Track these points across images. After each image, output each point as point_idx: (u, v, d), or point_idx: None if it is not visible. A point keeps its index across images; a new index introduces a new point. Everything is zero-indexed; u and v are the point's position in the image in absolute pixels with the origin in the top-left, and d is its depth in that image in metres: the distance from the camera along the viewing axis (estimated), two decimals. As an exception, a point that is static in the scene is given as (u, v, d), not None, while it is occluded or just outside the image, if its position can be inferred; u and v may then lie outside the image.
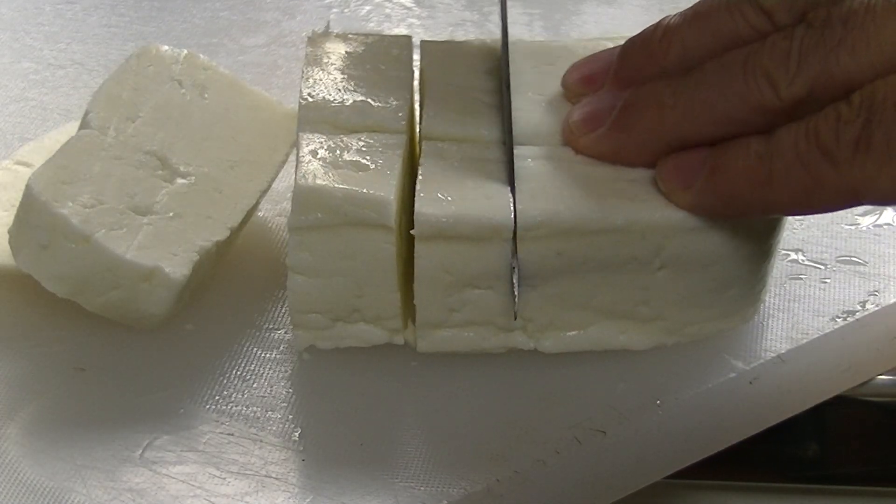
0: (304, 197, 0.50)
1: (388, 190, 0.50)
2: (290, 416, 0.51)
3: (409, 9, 0.79)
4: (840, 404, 0.57)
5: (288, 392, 0.52)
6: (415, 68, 0.58)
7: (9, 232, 0.52)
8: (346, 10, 0.80)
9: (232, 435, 0.50)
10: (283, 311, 0.56)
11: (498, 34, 0.58)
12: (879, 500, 0.61)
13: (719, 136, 0.48)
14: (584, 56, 0.55)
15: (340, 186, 0.50)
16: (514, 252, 0.49)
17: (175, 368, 0.53)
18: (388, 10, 0.79)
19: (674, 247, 0.50)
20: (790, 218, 0.57)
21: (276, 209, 0.61)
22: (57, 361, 0.53)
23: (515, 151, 0.52)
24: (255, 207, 0.57)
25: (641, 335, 0.52)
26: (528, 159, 0.52)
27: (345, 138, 0.53)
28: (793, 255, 0.58)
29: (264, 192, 0.58)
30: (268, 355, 0.54)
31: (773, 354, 0.53)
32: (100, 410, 0.51)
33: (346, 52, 0.57)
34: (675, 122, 0.49)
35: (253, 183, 0.57)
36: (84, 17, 0.79)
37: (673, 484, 0.56)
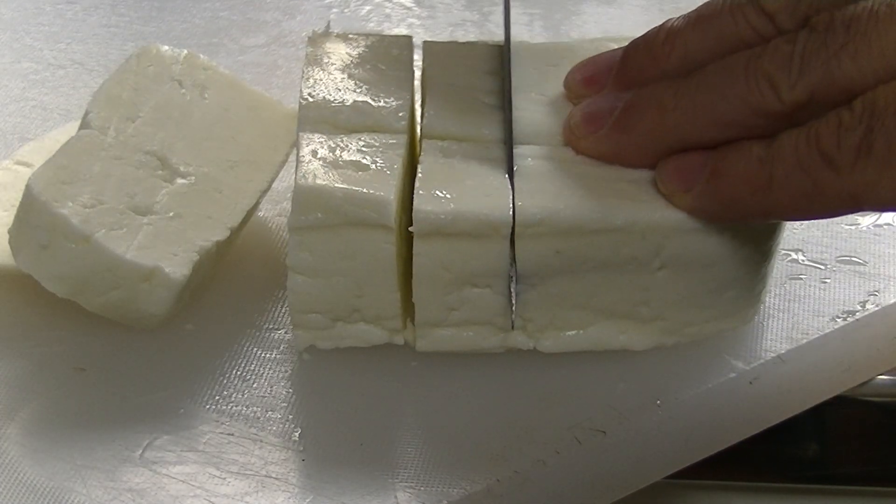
0: (304, 197, 0.50)
1: (388, 190, 0.50)
2: (290, 416, 0.51)
3: (409, 9, 0.79)
4: (840, 404, 0.57)
5: (288, 392, 0.52)
6: (415, 68, 0.58)
7: (9, 232, 0.52)
8: (346, 10, 0.80)
9: (232, 435, 0.50)
10: (283, 311, 0.56)
11: (499, 34, 0.58)
12: (879, 500, 0.61)
13: (720, 139, 0.48)
14: (587, 57, 0.55)
15: (340, 186, 0.50)
16: (513, 260, 0.50)
17: (175, 368, 0.53)
18: (388, 10, 0.79)
19: (674, 247, 0.50)
20: (790, 218, 0.57)
21: (276, 209, 0.61)
22: (57, 361, 0.53)
23: (516, 151, 0.52)
24: (255, 207, 0.57)
25: (641, 335, 0.52)
26: (528, 158, 0.52)
27: (345, 138, 0.53)
28: (793, 255, 0.58)
29: (264, 192, 0.58)
30: (268, 355, 0.54)
31: (773, 354, 0.53)
32: (100, 410, 0.51)
33: (347, 52, 0.57)
34: (675, 123, 0.49)
35: (253, 183, 0.57)
36: (84, 17, 0.79)
37: (673, 484, 0.56)
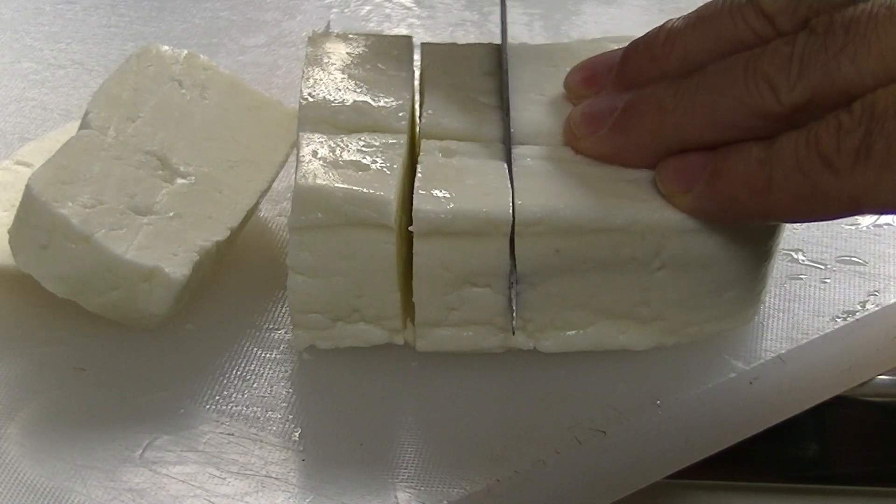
0: (305, 197, 0.50)
1: (388, 190, 0.50)
2: (290, 416, 0.51)
3: (409, 9, 0.79)
4: (840, 404, 0.57)
5: (288, 392, 0.52)
6: (415, 68, 0.58)
7: (9, 232, 0.52)
8: (346, 10, 0.80)
9: (232, 435, 0.50)
10: (283, 311, 0.56)
11: (499, 34, 0.58)
12: (879, 500, 0.61)
13: (720, 140, 0.48)
14: (587, 58, 0.55)
15: (340, 186, 0.50)
16: (513, 268, 0.50)
17: (175, 368, 0.53)
18: (388, 10, 0.79)
19: (673, 247, 0.50)
20: (790, 218, 0.57)
21: (276, 209, 0.61)
22: (57, 361, 0.53)
23: (516, 151, 0.52)
24: (255, 207, 0.57)
25: (641, 335, 0.52)
26: (527, 158, 0.52)
27: (345, 138, 0.53)
28: (793, 255, 0.58)
29: (264, 192, 0.58)
30: (268, 355, 0.54)
31: (773, 354, 0.53)
32: (100, 410, 0.51)
33: (347, 52, 0.57)
34: (675, 124, 0.49)
35: (253, 183, 0.57)
36: (84, 17, 0.79)
37: (673, 484, 0.56)
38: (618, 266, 0.50)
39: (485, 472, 0.48)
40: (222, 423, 0.51)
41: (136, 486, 0.48)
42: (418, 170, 0.51)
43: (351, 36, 0.59)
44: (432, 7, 0.79)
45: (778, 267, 0.56)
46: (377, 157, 0.52)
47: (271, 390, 0.52)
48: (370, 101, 0.54)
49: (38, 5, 0.80)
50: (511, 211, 0.49)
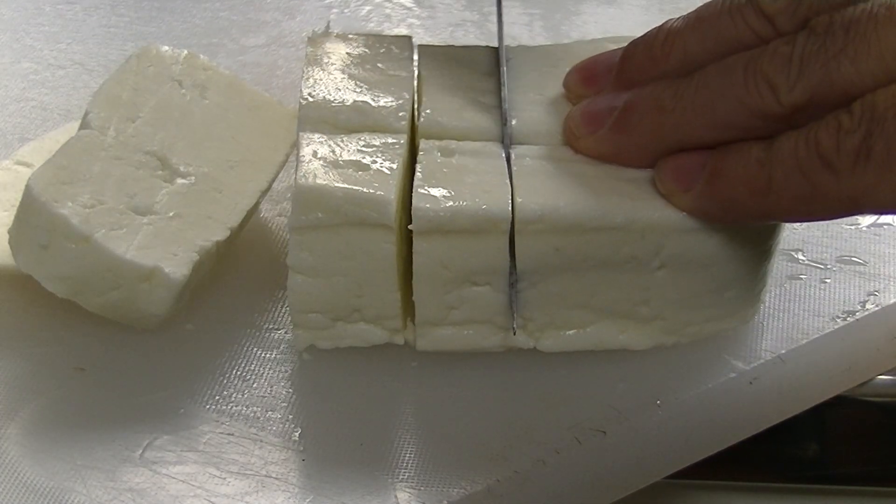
0: (305, 196, 0.50)
1: (388, 189, 0.50)
2: (290, 416, 0.51)
3: (409, 9, 0.79)
4: (840, 404, 0.57)
5: (288, 392, 0.52)
6: (415, 68, 0.58)
7: (9, 232, 0.52)
8: (346, 10, 0.80)
9: (232, 435, 0.50)
10: (283, 311, 0.56)
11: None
12: (879, 500, 0.61)
13: (719, 140, 0.48)
14: (586, 58, 0.55)
15: (341, 186, 0.50)
16: (513, 267, 0.50)
17: (175, 368, 0.53)
18: (388, 10, 0.79)
19: (673, 246, 0.50)
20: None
21: (276, 209, 0.61)
22: (57, 361, 0.53)
23: (515, 151, 0.52)
24: (255, 207, 0.57)
25: (641, 335, 0.52)
26: (527, 158, 0.52)
27: (345, 138, 0.53)
28: (793, 255, 0.58)
29: (264, 192, 0.58)
30: (268, 355, 0.54)
31: (773, 354, 0.53)
32: (100, 410, 0.51)
33: (347, 52, 0.57)
34: (674, 124, 0.49)
35: (253, 183, 0.57)
36: (84, 17, 0.79)
37: (673, 484, 0.56)
38: (618, 265, 0.50)
39: (485, 472, 0.48)
40: (222, 423, 0.51)
41: (136, 486, 0.48)
42: (417, 169, 0.51)
43: (351, 36, 0.59)
44: (432, 7, 0.79)
45: (778, 267, 0.56)
46: (377, 156, 0.52)
47: (271, 390, 0.52)
48: (370, 100, 0.54)
49: (38, 5, 0.80)
50: (510, 208, 0.49)
